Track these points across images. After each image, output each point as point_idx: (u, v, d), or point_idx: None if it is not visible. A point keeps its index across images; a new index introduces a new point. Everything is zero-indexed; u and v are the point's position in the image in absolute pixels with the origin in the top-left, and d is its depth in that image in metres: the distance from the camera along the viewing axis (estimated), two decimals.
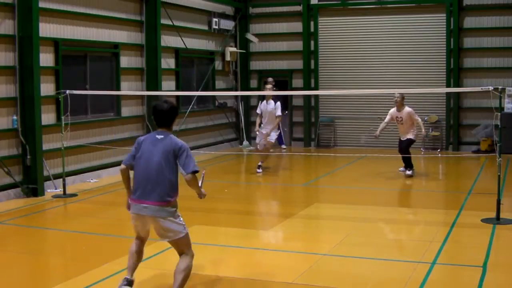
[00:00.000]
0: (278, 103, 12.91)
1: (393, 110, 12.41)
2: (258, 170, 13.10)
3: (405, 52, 17.00)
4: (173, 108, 5.53)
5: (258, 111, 13.13)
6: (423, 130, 12.62)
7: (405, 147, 12.30)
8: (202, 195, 5.67)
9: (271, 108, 12.87)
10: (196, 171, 5.33)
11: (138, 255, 5.72)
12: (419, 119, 12.39)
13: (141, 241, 5.74)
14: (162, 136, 5.44)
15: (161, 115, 5.49)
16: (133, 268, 5.69)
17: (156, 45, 14.09)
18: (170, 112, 5.50)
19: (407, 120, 12.16)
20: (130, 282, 5.62)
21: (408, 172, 12.31)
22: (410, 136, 12.26)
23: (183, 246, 5.47)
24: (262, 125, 13.03)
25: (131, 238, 6.80)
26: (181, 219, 5.47)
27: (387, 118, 12.51)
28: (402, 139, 12.41)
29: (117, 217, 9.55)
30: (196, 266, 6.66)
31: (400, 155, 12.50)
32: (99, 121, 12.82)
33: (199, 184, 5.63)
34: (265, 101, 12.95)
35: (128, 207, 5.60)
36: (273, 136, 13.09)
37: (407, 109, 12.20)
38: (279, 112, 12.86)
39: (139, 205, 5.38)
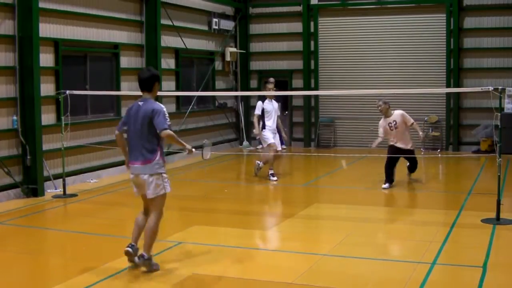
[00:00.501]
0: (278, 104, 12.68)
1: (382, 120, 11.44)
2: (273, 178, 12.30)
3: (405, 52, 17.00)
4: (154, 74, 6.39)
5: (258, 111, 12.19)
6: (420, 132, 11.67)
7: (414, 158, 11.58)
8: (186, 149, 6.39)
9: (276, 106, 12.47)
10: (166, 129, 6.11)
11: (141, 226, 6.50)
12: (413, 121, 11.35)
13: (145, 212, 6.52)
14: (143, 103, 6.30)
15: (142, 81, 6.36)
16: (136, 237, 6.49)
17: (156, 46, 14.10)
18: (150, 78, 6.35)
19: (401, 123, 11.23)
20: (132, 247, 6.42)
21: (410, 175, 11.92)
22: (410, 146, 11.41)
23: (157, 204, 6.30)
24: (270, 126, 12.20)
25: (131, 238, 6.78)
26: (166, 180, 6.31)
27: (380, 131, 11.44)
28: (403, 147, 11.31)
29: (117, 217, 9.56)
30: (196, 266, 6.68)
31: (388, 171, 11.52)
32: (99, 121, 12.82)
33: (206, 156, 6.72)
34: (267, 99, 12.27)
35: (127, 166, 6.50)
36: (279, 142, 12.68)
37: (397, 112, 11.33)
38: (278, 112, 12.56)
39: (132, 166, 6.33)
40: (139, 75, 6.41)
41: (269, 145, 12.26)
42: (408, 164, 11.86)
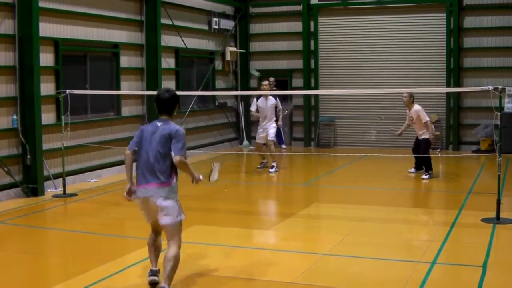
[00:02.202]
0: (277, 98, 13.15)
1: (408, 111, 12.31)
2: (271, 170, 13.05)
3: (405, 52, 16.99)
4: (174, 96, 5.83)
5: (253, 108, 13.25)
6: (430, 130, 11.98)
7: (423, 149, 11.94)
8: (195, 180, 5.84)
9: (270, 104, 12.97)
10: (181, 155, 5.59)
11: (156, 247, 6.03)
12: (427, 118, 12.01)
13: (155, 233, 6.01)
14: (162, 123, 5.75)
15: (162, 103, 5.79)
16: (155, 260, 6.01)
17: (156, 45, 14.09)
18: (171, 100, 5.80)
19: (417, 118, 11.97)
20: (155, 272, 5.97)
21: (425, 177, 11.97)
22: (425, 135, 11.97)
23: (174, 232, 5.67)
24: (261, 124, 13.11)
25: (131, 238, 6.80)
26: (179, 205, 5.71)
27: (407, 120, 12.42)
28: (419, 138, 12.17)
29: (117, 217, 9.56)
30: (196, 266, 6.68)
31: (413, 155, 12.36)
32: (99, 121, 12.83)
33: (213, 177, 6.14)
34: (262, 97, 12.99)
35: (127, 193, 5.80)
36: (272, 132, 13.06)
37: (415, 107, 12.02)
38: (280, 106, 13.28)
39: (142, 189, 5.68)
40: (159, 96, 5.80)
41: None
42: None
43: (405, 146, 14.26)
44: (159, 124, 5.75)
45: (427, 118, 12.04)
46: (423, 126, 12.03)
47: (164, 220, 5.63)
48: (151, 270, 5.98)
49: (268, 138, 13.07)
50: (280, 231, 8.61)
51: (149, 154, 5.66)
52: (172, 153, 5.61)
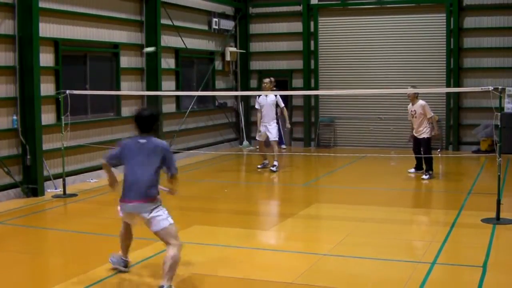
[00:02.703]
0: (278, 95, 13.23)
1: (409, 105, 12.24)
2: (272, 168, 13.18)
3: (405, 52, 16.99)
4: (152, 115, 5.94)
5: (257, 106, 13.34)
6: (435, 128, 12.09)
7: (424, 149, 11.95)
8: (175, 192, 6.08)
9: (270, 100, 13.09)
10: (177, 173, 5.94)
11: (128, 237, 6.35)
12: (432, 113, 11.99)
13: (128, 224, 6.28)
14: (145, 140, 5.85)
15: (142, 122, 5.90)
16: (126, 249, 6.37)
17: (156, 45, 14.08)
18: (149, 119, 5.90)
19: (420, 113, 11.90)
20: (125, 263, 6.36)
21: (425, 177, 11.96)
22: (424, 135, 11.93)
23: (168, 237, 5.76)
24: (262, 120, 13.22)
25: None
26: (165, 211, 5.84)
27: (408, 114, 12.30)
28: (417, 136, 12.07)
29: (117, 217, 9.49)
30: (195, 266, 6.68)
31: (414, 156, 12.35)
32: (99, 121, 12.83)
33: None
34: (263, 95, 13.13)
35: (110, 184, 6.38)
36: (275, 132, 13.19)
37: (420, 102, 11.96)
38: (282, 103, 13.27)
39: (129, 204, 5.85)
40: (138, 115, 5.93)
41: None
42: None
43: (405, 146, 14.27)
44: (142, 141, 5.84)
45: (432, 114, 12.02)
46: (424, 123, 11.92)
47: (155, 227, 5.76)
48: (122, 259, 6.30)
49: (271, 139, 13.16)
50: (280, 232, 8.61)
51: (136, 171, 5.79)
52: (168, 173, 5.86)
